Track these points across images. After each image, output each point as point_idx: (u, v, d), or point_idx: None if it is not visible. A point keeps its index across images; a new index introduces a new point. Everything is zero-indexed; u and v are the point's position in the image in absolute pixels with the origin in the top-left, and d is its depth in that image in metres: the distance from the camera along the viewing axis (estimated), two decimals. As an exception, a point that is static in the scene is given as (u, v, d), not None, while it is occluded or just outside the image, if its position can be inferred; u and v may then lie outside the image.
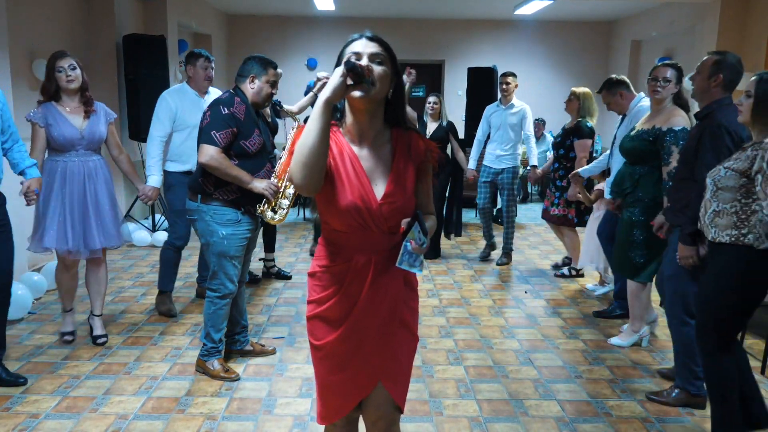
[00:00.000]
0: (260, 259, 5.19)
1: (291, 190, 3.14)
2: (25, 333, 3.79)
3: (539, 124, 8.93)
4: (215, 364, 3.22)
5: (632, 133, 3.54)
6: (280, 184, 3.12)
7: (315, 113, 1.54)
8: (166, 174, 4.04)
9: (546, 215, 5.24)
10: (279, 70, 3.28)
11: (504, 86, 5.47)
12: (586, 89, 5.04)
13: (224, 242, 3.07)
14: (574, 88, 5.10)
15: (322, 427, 2.77)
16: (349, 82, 1.55)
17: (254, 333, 3.80)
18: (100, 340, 3.63)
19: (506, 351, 3.66)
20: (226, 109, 3.00)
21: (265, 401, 3.00)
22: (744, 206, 2.38)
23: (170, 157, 4.06)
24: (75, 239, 3.41)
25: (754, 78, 2.43)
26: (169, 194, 4.08)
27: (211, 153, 2.96)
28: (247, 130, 3.06)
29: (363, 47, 1.63)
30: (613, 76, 4.25)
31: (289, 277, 5.09)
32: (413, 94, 10.68)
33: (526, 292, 4.83)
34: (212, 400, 3.00)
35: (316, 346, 1.80)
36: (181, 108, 3.96)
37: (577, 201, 4.85)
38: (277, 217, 3.15)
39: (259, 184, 3.04)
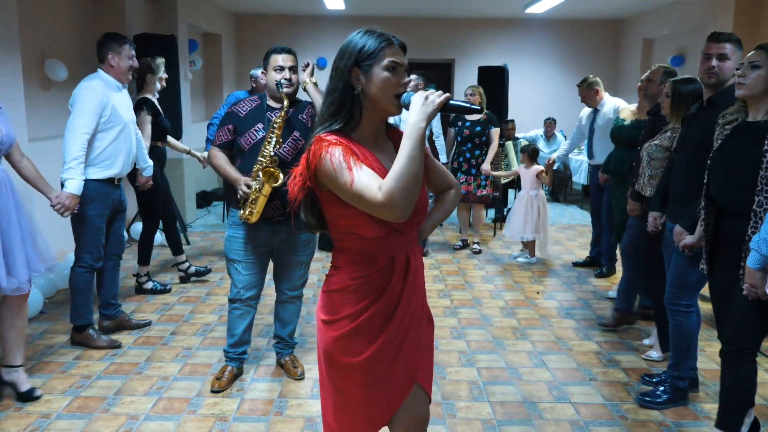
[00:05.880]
0: (173, 266, 4.92)
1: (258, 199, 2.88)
2: (37, 333, 3.79)
3: (550, 123, 8.86)
4: (221, 370, 3.19)
5: (626, 123, 4.36)
6: (254, 190, 2.88)
7: (418, 142, 1.49)
8: (84, 183, 3.31)
9: (472, 197, 5.89)
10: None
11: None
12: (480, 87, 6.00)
13: (226, 243, 3.07)
14: (475, 86, 5.91)
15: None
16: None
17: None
18: (36, 393, 2.94)
19: (519, 352, 3.62)
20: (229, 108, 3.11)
21: (276, 402, 2.98)
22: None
23: (92, 162, 3.37)
24: (8, 270, 2.74)
25: (669, 82, 3.30)
26: (90, 208, 3.37)
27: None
28: (243, 126, 3.00)
29: (399, 57, 1.61)
30: (590, 76, 5.23)
31: (209, 270, 4.93)
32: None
33: (538, 293, 4.79)
34: (223, 401, 2.98)
35: (353, 364, 1.66)
36: (113, 100, 3.41)
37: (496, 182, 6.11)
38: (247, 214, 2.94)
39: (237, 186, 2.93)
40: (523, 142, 7.17)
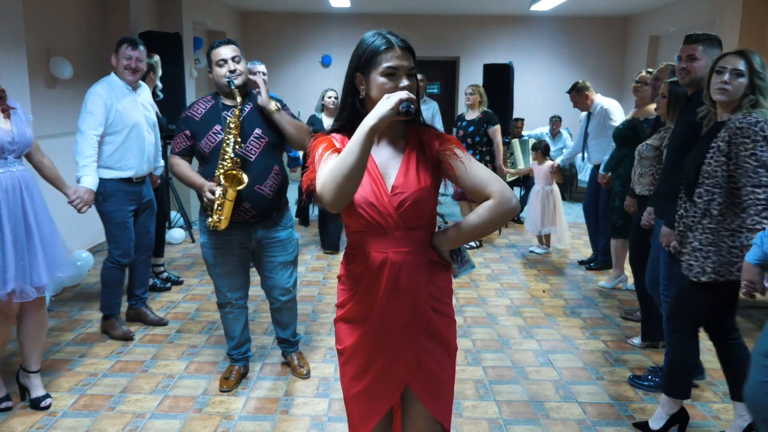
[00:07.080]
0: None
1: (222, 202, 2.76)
2: (43, 330, 3.80)
3: (556, 121, 8.82)
4: (228, 370, 3.18)
5: (621, 124, 4.50)
6: (217, 195, 2.76)
7: (360, 138, 1.48)
8: (101, 182, 3.44)
9: (464, 196, 5.90)
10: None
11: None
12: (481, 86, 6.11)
13: (202, 249, 2.99)
14: (475, 86, 5.98)
15: (340, 428, 2.75)
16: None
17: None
18: (44, 402, 2.85)
19: (525, 351, 3.61)
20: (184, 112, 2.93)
21: (282, 401, 2.98)
22: (658, 170, 3.43)
23: (104, 164, 3.48)
24: (20, 276, 2.63)
25: (665, 83, 3.33)
26: (107, 204, 3.50)
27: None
28: (200, 130, 2.85)
29: (399, 60, 1.59)
30: (579, 81, 5.30)
31: (180, 282, 4.73)
32: (428, 91, 10.65)
33: (544, 291, 4.77)
34: (229, 400, 2.98)
35: (340, 350, 1.78)
36: (118, 104, 3.48)
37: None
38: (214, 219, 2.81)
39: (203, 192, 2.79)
40: (530, 141, 7.16)
